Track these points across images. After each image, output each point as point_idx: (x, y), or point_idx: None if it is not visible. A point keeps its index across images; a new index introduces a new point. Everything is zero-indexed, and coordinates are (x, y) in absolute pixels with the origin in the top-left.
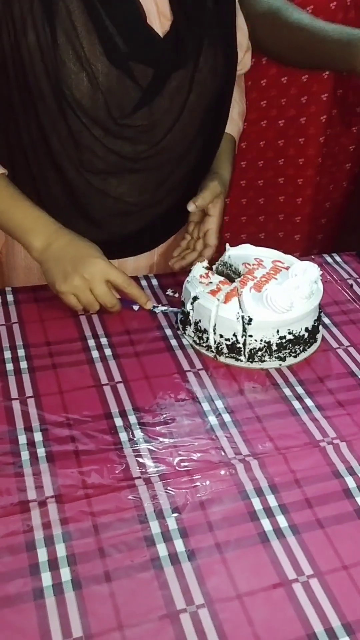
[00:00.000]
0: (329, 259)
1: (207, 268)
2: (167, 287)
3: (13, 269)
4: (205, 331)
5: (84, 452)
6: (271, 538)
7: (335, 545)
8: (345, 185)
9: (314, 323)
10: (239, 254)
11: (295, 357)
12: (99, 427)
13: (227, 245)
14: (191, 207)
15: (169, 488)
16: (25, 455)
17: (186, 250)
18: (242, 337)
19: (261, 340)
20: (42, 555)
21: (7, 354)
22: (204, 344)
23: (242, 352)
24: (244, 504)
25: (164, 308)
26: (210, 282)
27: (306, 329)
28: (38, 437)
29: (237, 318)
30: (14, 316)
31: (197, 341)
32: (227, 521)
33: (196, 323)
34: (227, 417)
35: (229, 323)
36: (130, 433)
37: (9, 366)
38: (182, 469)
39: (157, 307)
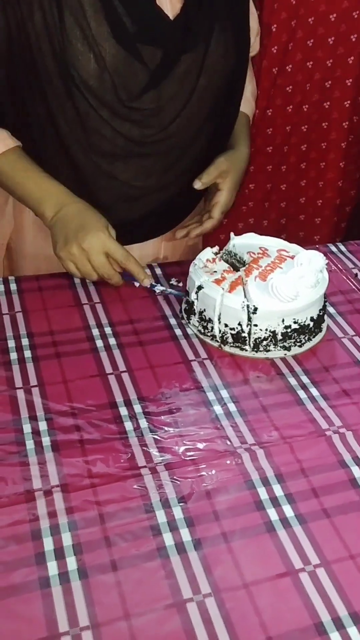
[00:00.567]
0: (333, 249)
1: (215, 253)
2: (172, 276)
3: (21, 257)
4: (210, 320)
5: (89, 441)
6: (277, 528)
7: (342, 534)
8: None
9: (320, 312)
10: (244, 242)
11: (300, 346)
12: (104, 417)
13: (232, 234)
14: (197, 184)
15: (174, 477)
16: (30, 444)
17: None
18: (247, 326)
19: (266, 329)
20: (48, 544)
21: (11, 343)
22: (209, 334)
23: (247, 342)
24: (250, 494)
25: (162, 288)
26: (215, 271)
27: (311, 319)
28: (43, 426)
29: (242, 307)
30: (17, 305)
31: (202, 331)
32: (233, 510)
33: (201, 312)
34: (232, 407)
35: (234, 312)
36: (135, 422)
37: (13, 355)
38: (188, 459)
39: (156, 285)
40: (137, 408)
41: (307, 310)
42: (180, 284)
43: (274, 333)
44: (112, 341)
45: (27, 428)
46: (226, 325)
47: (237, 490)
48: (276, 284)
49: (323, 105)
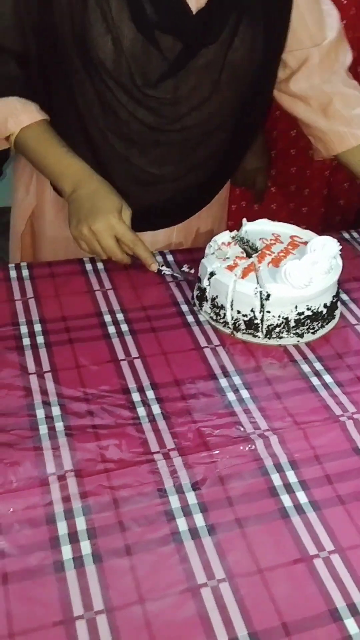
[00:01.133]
0: (346, 235)
1: (232, 237)
2: (183, 263)
3: (42, 238)
4: (222, 307)
5: (102, 426)
6: (291, 514)
7: (356, 521)
8: None
9: (333, 299)
10: (256, 229)
11: (313, 333)
12: (117, 402)
13: (244, 220)
14: None
15: (188, 463)
16: (43, 429)
17: None
18: (259, 313)
19: (279, 316)
20: (62, 528)
21: (24, 329)
22: (221, 320)
23: (260, 329)
24: (264, 480)
25: (170, 271)
26: (227, 257)
27: (325, 305)
28: (56, 411)
29: (255, 294)
30: (29, 291)
31: (214, 317)
32: (247, 496)
33: (213, 299)
34: (245, 393)
35: (246, 299)
36: (148, 408)
37: (26, 341)
38: (201, 444)
39: (163, 268)
40: (150, 394)
41: (321, 297)
42: (192, 271)
43: (286, 320)
44: (124, 327)
45: (40, 413)
46: (239, 312)
47: (251, 477)
48: (289, 270)
49: None
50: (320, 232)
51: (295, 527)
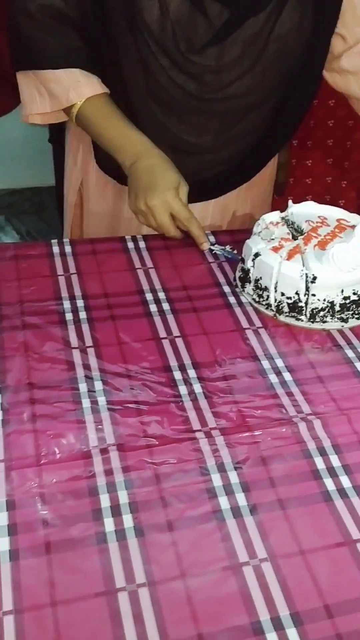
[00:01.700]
0: None
1: (282, 218)
2: (225, 245)
3: (88, 214)
4: (266, 289)
5: (144, 402)
6: (334, 497)
7: None
8: None
9: None
10: (302, 211)
11: (358, 318)
12: (158, 380)
13: (290, 201)
14: None
15: (229, 442)
16: (86, 402)
17: None
18: (304, 295)
19: (324, 300)
20: (105, 501)
21: (67, 304)
22: (264, 302)
23: (304, 312)
24: (307, 462)
25: (220, 251)
26: (272, 239)
27: None
28: (99, 385)
29: (301, 276)
30: (72, 267)
31: (257, 299)
32: (289, 478)
33: (256, 280)
34: (287, 376)
35: (291, 281)
36: (190, 387)
37: (69, 316)
38: (243, 425)
39: (215, 247)
40: (192, 373)
41: None
42: (235, 251)
43: (332, 304)
44: (165, 306)
45: (83, 387)
46: (283, 294)
47: (293, 458)
48: (336, 253)
49: None
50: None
51: (338, 510)
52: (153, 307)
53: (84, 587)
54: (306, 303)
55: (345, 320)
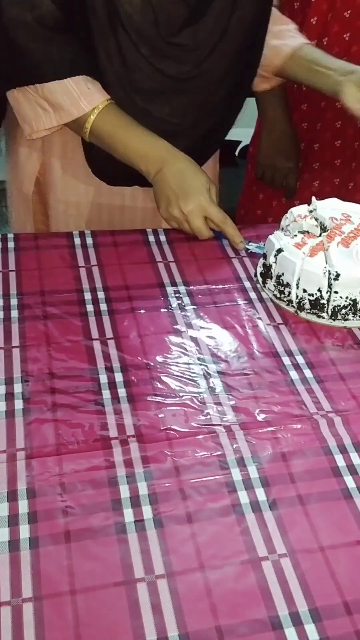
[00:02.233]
0: None
1: (310, 211)
2: (248, 240)
3: (56, 204)
4: (288, 285)
5: (164, 395)
6: (354, 495)
7: None
8: None
9: None
10: (325, 208)
11: None
12: (179, 373)
13: (314, 198)
14: None
15: (249, 437)
16: (106, 393)
17: None
18: (326, 293)
19: (347, 297)
20: (124, 491)
21: (87, 295)
22: (285, 299)
23: (325, 309)
24: (327, 459)
25: (256, 248)
26: (295, 235)
27: None
28: (119, 377)
29: (324, 273)
30: (93, 259)
31: (278, 295)
32: (309, 474)
33: (278, 276)
34: (308, 373)
35: (314, 277)
36: (210, 381)
37: (89, 307)
38: (263, 420)
39: (250, 246)
40: (212, 367)
41: None
42: (262, 244)
43: (354, 302)
44: (186, 300)
45: (103, 378)
46: (304, 291)
47: (313, 455)
48: None
49: None
50: None
51: (359, 508)
52: (173, 301)
53: (103, 576)
54: (328, 300)
55: None
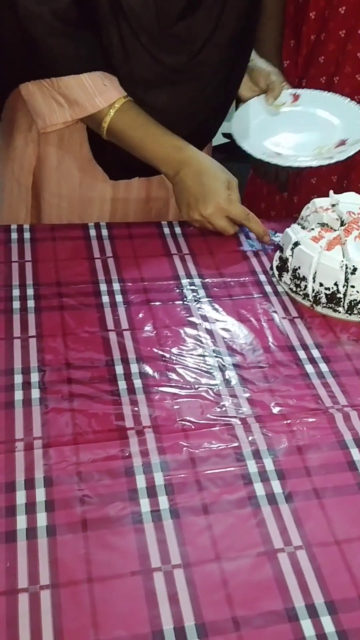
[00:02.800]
0: None
1: (332, 205)
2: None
3: (50, 196)
4: (304, 279)
5: (179, 387)
6: None
7: None
8: None
9: None
10: (343, 202)
11: None
12: (194, 365)
13: (331, 192)
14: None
15: (265, 430)
16: (122, 384)
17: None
18: (343, 287)
19: None
20: (141, 481)
21: (103, 287)
22: (301, 292)
23: (342, 303)
24: (342, 453)
25: (279, 238)
26: (312, 229)
27: None
28: (134, 368)
29: (341, 267)
30: (108, 250)
31: (294, 289)
32: (325, 468)
33: (295, 270)
34: (324, 367)
35: (331, 271)
36: (225, 373)
37: (105, 299)
38: (278, 413)
39: (276, 238)
40: (227, 360)
41: None
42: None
43: None
44: (201, 293)
45: (119, 369)
46: (321, 285)
47: (329, 449)
48: None
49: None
50: None
51: None
52: (189, 294)
53: (120, 565)
54: (344, 294)
55: None
